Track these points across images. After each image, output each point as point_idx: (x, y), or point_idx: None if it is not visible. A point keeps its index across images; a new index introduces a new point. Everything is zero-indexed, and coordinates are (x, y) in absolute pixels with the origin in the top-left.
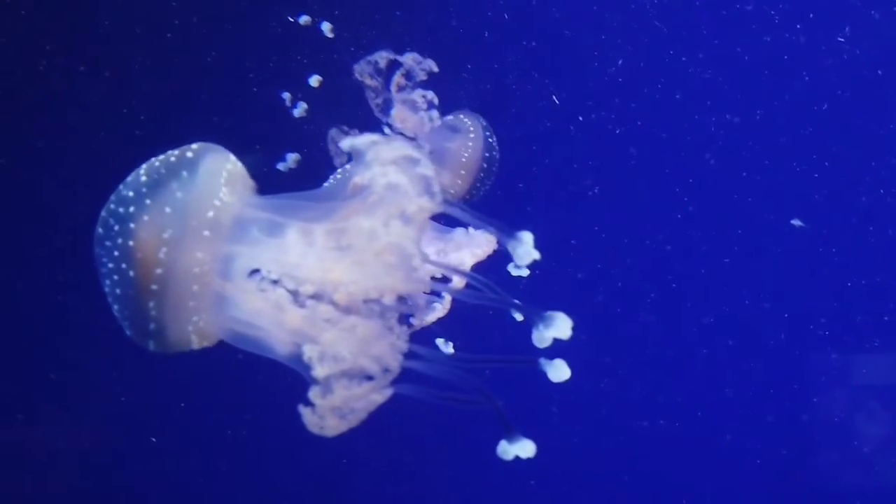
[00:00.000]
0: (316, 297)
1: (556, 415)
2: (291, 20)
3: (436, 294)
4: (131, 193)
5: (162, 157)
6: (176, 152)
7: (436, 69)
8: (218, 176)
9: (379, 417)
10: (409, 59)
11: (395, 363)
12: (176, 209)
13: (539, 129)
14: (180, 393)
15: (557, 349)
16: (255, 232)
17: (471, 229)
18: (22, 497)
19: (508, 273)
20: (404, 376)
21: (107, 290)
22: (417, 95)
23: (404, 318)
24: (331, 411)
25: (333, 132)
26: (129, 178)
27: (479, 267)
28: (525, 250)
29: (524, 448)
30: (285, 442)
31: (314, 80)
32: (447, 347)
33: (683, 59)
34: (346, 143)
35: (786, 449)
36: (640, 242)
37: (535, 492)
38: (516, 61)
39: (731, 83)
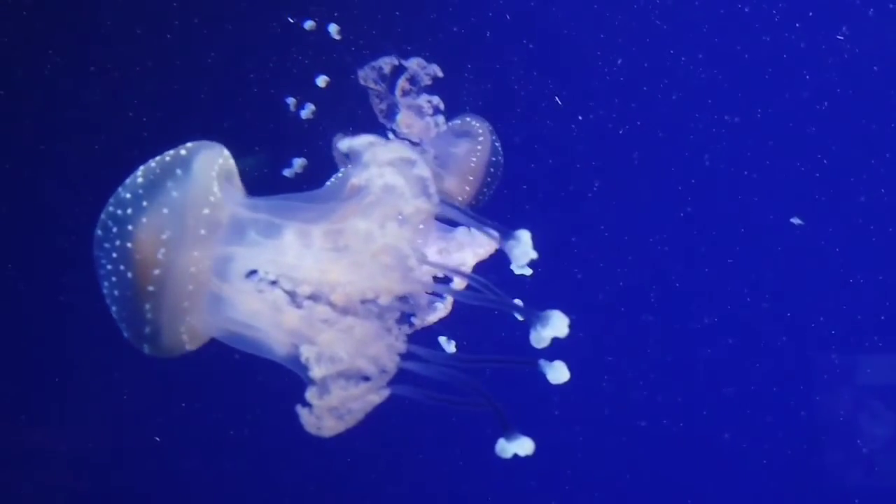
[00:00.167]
0: (313, 297)
1: (557, 415)
2: (292, 21)
3: (437, 294)
4: (129, 196)
5: (158, 157)
6: (171, 152)
7: (440, 74)
8: (211, 170)
9: (379, 418)
10: (413, 63)
11: (391, 364)
12: (173, 209)
13: (540, 128)
14: (180, 393)
15: (558, 349)
16: (252, 233)
17: (472, 229)
18: (22, 497)
19: (511, 272)
20: (404, 377)
21: (105, 291)
22: (423, 100)
23: (406, 318)
24: (328, 412)
25: (338, 137)
26: (128, 181)
27: (479, 267)
28: (523, 250)
29: (522, 446)
30: (285, 442)
31: (321, 81)
32: (450, 346)
33: (683, 58)
34: (344, 144)
35: (788, 449)
36: (642, 242)
37: (536, 492)
38: (517, 61)
39: (731, 83)
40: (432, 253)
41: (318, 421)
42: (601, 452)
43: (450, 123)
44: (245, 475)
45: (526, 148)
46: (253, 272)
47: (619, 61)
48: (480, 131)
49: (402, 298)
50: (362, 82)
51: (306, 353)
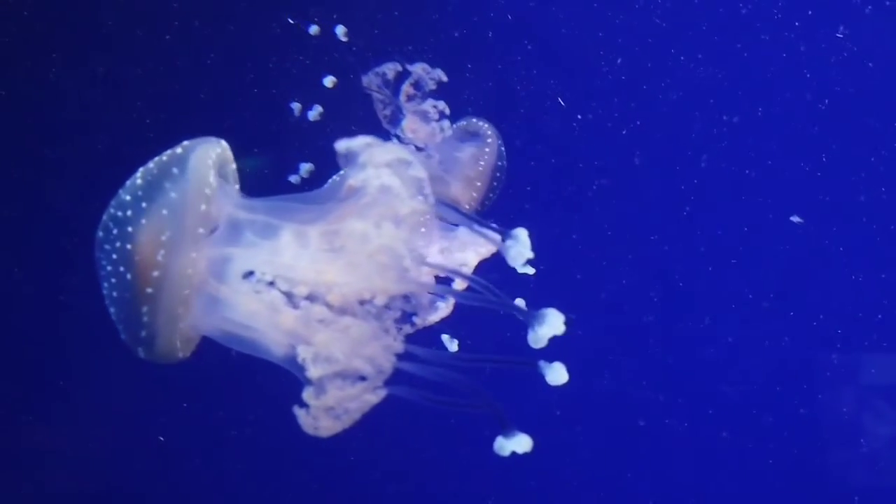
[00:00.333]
0: (310, 298)
1: (557, 415)
2: (292, 22)
3: (438, 294)
4: (129, 197)
5: (156, 158)
6: (168, 151)
7: (445, 79)
8: (207, 159)
9: (378, 418)
10: (418, 68)
11: (388, 364)
12: (172, 209)
13: (541, 128)
14: (181, 393)
15: (559, 349)
16: (249, 234)
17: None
18: (22, 497)
19: (513, 272)
20: (402, 377)
21: (105, 292)
22: (429, 105)
23: (407, 318)
24: (325, 412)
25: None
26: (128, 182)
27: (481, 266)
28: (520, 249)
29: (520, 443)
30: (286, 442)
31: (328, 81)
32: (452, 344)
33: (683, 58)
34: (342, 145)
35: (790, 448)
36: (643, 241)
37: (536, 492)
38: (518, 62)
39: (731, 82)
40: (434, 252)
41: (315, 421)
42: (601, 452)
43: (454, 126)
44: (245, 475)
45: (527, 147)
46: (250, 273)
47: (620, 61)
48: (489, 134)
49: (404, 298)
50: (366, 88)
51: (303, 353)
